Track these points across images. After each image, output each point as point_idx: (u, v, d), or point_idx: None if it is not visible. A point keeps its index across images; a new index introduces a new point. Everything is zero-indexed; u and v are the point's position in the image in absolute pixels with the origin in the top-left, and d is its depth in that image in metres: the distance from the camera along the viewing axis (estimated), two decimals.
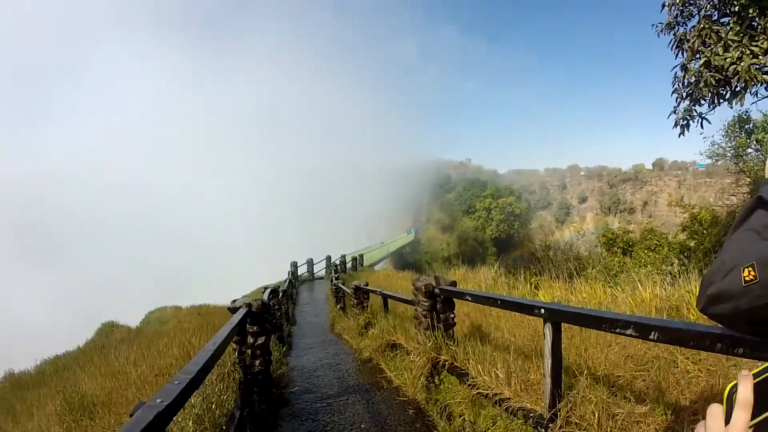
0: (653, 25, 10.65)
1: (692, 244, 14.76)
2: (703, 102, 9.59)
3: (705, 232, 14.60)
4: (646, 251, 15.58)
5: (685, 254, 14.09)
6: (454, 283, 6.60)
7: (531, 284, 13.07)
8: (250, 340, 6.00)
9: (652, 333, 2.90)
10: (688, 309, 7.22)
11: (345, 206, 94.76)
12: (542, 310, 4.04)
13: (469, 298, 5.73)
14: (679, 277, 10.01)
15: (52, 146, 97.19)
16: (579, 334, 5.78)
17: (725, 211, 15.44)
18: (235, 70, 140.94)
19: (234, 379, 5.85)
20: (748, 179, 15.26)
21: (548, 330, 3.99)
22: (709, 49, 8.75)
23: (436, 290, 6.56)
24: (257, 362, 6.04)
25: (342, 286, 17.97)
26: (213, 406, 4.93)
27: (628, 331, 3.09)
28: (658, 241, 16.02)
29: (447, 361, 6.22)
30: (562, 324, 4.05)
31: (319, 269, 36.49)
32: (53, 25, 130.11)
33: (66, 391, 7.36)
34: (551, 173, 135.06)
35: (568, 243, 18.79)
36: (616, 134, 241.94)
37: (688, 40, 9.35)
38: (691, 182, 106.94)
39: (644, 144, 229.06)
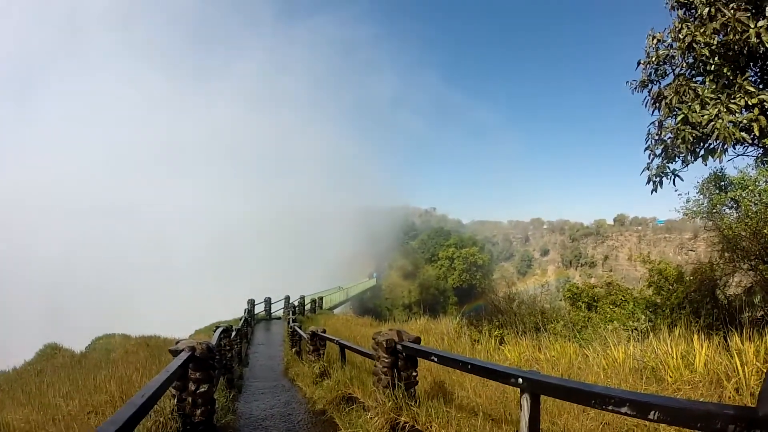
0: (627, 81, 10.61)
1: (658, 300, 14.59)
2: (677, 159, 9.47)
3: (671, 287, 14.46)
4: (611, 306, 15.41)
5: (651, 310, 13.88)
6: (418, 340, 6.13)
7: (495, 339, 12.66)
8: (192, 387, 5.46)
9: (652, 412, 2.51)
10: (665, 370, 6.90)
11: (307, 245, 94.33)
12: (520, 380, 3.61)
13: (436, 359, 5.23)
14: (647, 334, 9.78)
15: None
16: (552, 399, 5.34)
17: (690, 268, 15.34)
18: (208, 98, 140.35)
19: (170, 428, 5.27)
20: (713, 235, 15.23)
21: (526, 401, 3.56)
22: (686, 105, 8.64)
23: (399, 346, 6.07)
24: (198, 411, 5.48)
25: (299, 330, 17.31)
26: None
27: (623, 409, 2.70)
28: (623, 296, 15.93)
29: (407, 423, 5.70)
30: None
31: (277, 309, 35.62)
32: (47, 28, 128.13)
33: None
34: (514, 225, 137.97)
35: (531, 296, 18.45)
36: (579, 189, 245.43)
37: (665, 97, 9.24)
38: (651, 237, 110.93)
39: (606, 199, 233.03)
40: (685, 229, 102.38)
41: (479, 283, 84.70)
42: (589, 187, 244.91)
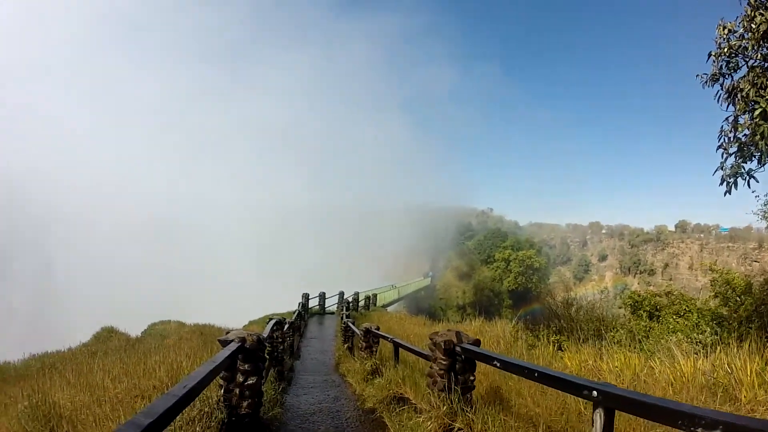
0: (697, 75, 10.03)
1: (725, 311, 13.87)
2: (753, 158, 8.87)
3: (738, 299, 13.72)
4: (674, 317, 14.73)
5: (717, 322, 13.19)
6: (477, 342, 5.79)
7: (554, 345, 12.20)
8: (240, 378, 5.29)
9: None
10: (738, 388, 6.42)
11: (362, 241, 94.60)
12: (594, 393, 3.23)
13: (498, 365, 4.82)
14: (712, 347, 9.24)
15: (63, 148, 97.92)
16: (622, 415, 4.94)
17: (761, 279, 14.52)
18: (265, 91, 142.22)
19: (216, 418, 5.10)
20: None
21: (599, 417, 3.21)
22: (765, 99, 8.05)
23: (457, 348, 5.74)
24: (245, 404, 5.31)
25: (352, 326, 17.16)
26: None
27: None
28: (687, 306, 15.20)
29: (462, 429, 5.38)
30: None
31: (331, 304, 35.74)
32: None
33: (33, 397, 6.73)
34: (572, 229, 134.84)
35: (590, 301, 17.81)
36: (640, 193, 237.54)
37: (741, 90, 8.66)
38: (713, 246, 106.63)
39: (667, 204, 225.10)
40: (750, 238, 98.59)
41: (535, 287, 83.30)
42: (650, 191, 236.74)
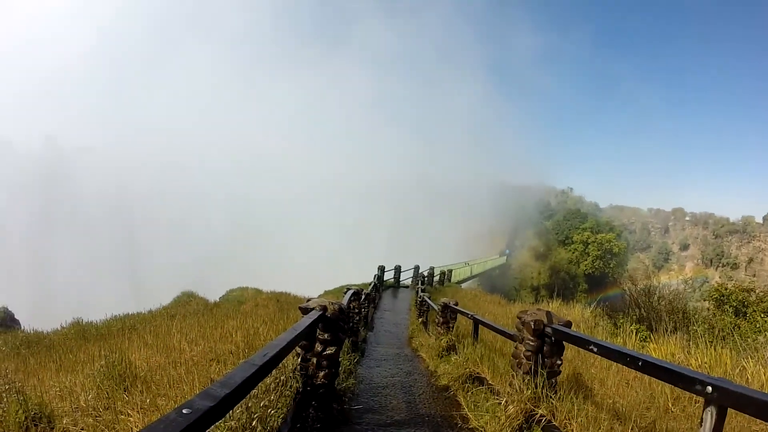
0: None
1: None
2: None
3: None
4: (762, 315, 13.82)
5: None
6: (569, 324, 5.39)
7: (639, 334, 11.69)
8: (318, 348, 5.14)
9: None
10: None
11: (440, 215, 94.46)
12: (709, 388, 2.86)
13: (595, 350, 4.36)
14: None
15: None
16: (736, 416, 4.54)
17: None
18: (343, 70, 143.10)
19: (291, 387, 5.00)
20: None
21: (709, 416, 2.87)
22: None
23: (548, 329, 5.38)
24: (321, 374, 5.17)
25: (428, 300, 17.00)
26: (254, 423, 4.08)
27: None
28: None
29: (544, 417, 5.07)
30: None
31: (406, 278, 35.93)
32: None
33: (110, 357, 6.84)
34: (654, 214, 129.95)
35: (673, 291, 16.96)
36: (728, 180, 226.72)
37: None
38: None
39: (757, 194, 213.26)
40: None
41: (612, 272, 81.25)
42: (739, 178, 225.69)
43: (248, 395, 3.14)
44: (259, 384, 3.44)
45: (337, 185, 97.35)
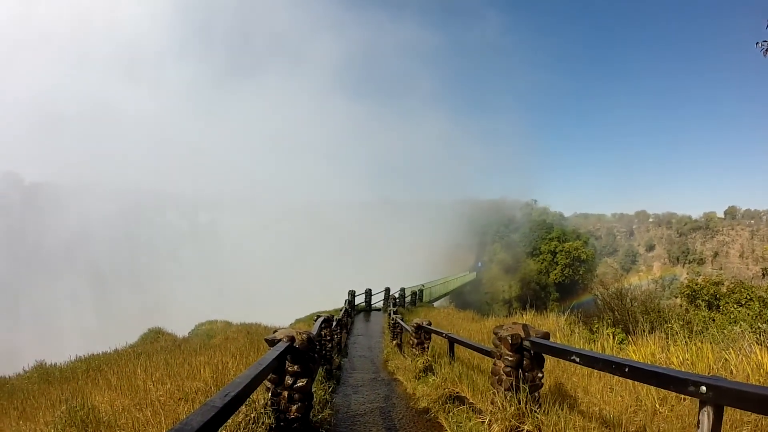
0: (757, 43, 9.38)
1: None
2: None
3: None
4: (735, 306, 13.96)
5: None
6: (547, 335, 5.24)
7: (617, 337, 11.65)
8: (289, 381, 4.91)
9: None
10: None
11: (407, 236, 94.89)
12: (703, 388, 2.71)
13: (578, 360, 4.22)
14: None
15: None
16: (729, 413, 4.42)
17: None
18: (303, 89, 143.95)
19: (263, 424, 4.75)
20: None
21: (706, 416, 2.71)
22: None
23: (525, 343, 5.21)
24: (294, 407, 4.93)
25: (401, 322, 16.83)
26: None
27: None
28: (748, 294, 14.45)
29: None
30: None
31: (377, 300, 35.67)
32: None
33: (71, 401, 6.58)
34: (618, 219, 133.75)
35: (645, 291, 17.15)
36: (687, 179, 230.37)
37: None
38: (765, 232, 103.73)
39: (716, 190, 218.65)
40: None
41: (582, 279, 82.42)
42: (698, 176, 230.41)
43: None
44: (228, 422, 3.21)
45: (299, 212, 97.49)
